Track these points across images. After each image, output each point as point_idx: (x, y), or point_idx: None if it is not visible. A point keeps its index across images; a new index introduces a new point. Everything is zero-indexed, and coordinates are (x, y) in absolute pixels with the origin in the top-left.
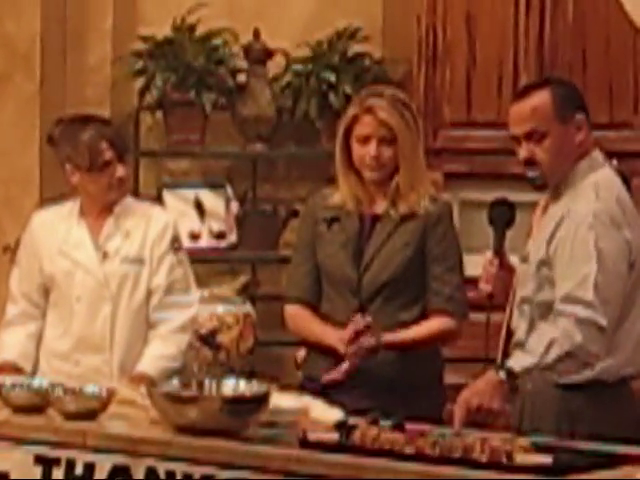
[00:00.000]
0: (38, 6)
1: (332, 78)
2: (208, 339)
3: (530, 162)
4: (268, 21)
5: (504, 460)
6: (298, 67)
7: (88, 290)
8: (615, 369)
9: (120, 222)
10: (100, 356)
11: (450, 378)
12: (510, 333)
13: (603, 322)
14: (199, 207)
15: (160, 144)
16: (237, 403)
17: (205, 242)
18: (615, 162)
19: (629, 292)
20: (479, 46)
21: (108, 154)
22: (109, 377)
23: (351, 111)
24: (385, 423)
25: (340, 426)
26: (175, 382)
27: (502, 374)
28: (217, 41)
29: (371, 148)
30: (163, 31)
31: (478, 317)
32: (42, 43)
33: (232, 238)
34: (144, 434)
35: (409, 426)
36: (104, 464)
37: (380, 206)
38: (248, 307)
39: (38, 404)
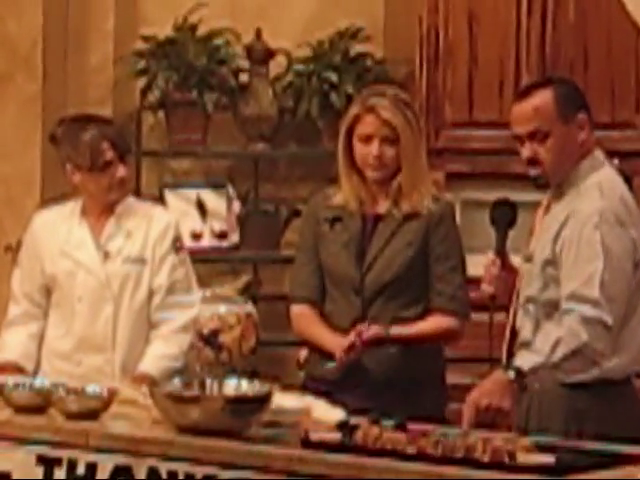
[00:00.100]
0: (40, 6)
1: (334, 78)
2: (210, 339)
3: (533, 161)
4: (270, 21)
5: (506, 460)
6: (300, 67)
7: (90, 290)
8: (621, 367)
9: (122, 222)
10: (102, 356)
11: (453, 378)
12: (514, 333)
13: (609, 320)
14: (201, 207)
15: (162, 144)
16: (239, 403)
17: (207, 242)
18: (616, 161)
19: (634, 290)
20: (481, 46)
21: (109, 154)
22: (111, 377)
23: (353, 110)
24: (387, 423)
25: (342, 426)
26: (177, 382)
27: (511, 373)
28: (219, 41)
29: (373, 147)
30: (165, 31)
31: (481, 317)
32: (44, 43)
33: (234, 238)
34: (146, 434)
35: (411, 426)
36: (106, 464)
37: (382, 206)
38: (250, 307)
39: (40, 404)
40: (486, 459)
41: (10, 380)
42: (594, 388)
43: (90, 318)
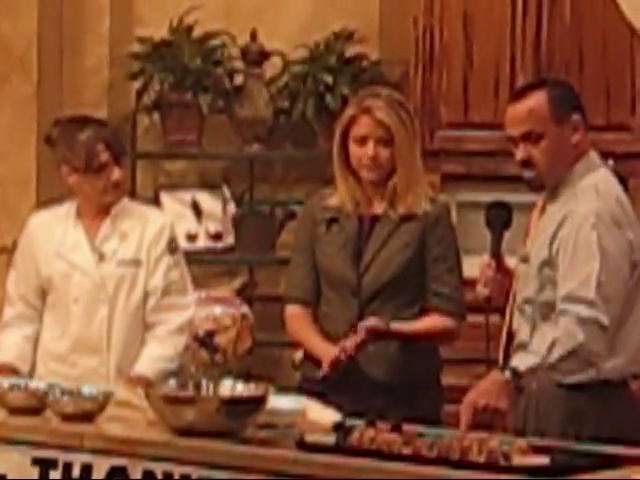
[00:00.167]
0: (35, 8)
1: (329, 79)
2: (205, 340)
3: (527, 163)
4: (265, 23)
5: (502, 461)
6: (295, 68)
7: (85, 292)
8: (618, 369)
9: (117, 224)
10: (97, 358)
11: (449, 379)
12: (511, 335)
13: (605, 321)
14: (196, 208)
15: (157, 145)
16: (234, 404)
17: (202, 243)
18: (611, 162)
19: (631, 291)
20: (476, 47)
21: (104, 156)
22: (106, 379)
23: (348, 112)
24: (382, 424)
25: (338, 427)
26: (172, 383)
27: (507, 374)
28: (214, 43)
29: (368, 148)
30: (160, 33)
31: (477, 318)
32: (39, 45)
33: (229, 239)
34: (141, 435)
35: (406, 427)
36: (101, 466)
37: (378, 207)
38: (245, 308)
39: (35, 406)
40: (481, 460)
41: (5, 382)
42: (591, 389)
43: (85, 320)
